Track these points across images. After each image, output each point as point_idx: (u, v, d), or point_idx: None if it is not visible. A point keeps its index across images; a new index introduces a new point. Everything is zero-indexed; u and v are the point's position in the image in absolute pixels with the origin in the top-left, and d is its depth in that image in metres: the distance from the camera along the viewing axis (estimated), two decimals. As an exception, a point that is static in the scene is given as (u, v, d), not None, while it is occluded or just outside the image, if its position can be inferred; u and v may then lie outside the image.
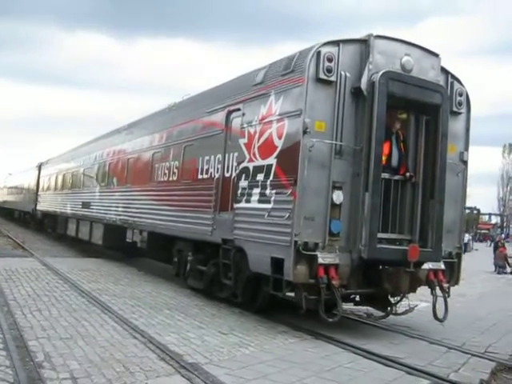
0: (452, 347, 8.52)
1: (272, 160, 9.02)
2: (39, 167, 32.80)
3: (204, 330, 8.38)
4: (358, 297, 9.67)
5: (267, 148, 9.20)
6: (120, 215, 16.08)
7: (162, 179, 13.45)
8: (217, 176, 10.69)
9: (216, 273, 10.72)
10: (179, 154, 12.59)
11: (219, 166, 10.69)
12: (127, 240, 15.81)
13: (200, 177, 11.45)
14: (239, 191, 9.79)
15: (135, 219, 14.80)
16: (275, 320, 9.51)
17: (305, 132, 8.38)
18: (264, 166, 9.21)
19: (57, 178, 27.09)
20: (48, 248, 22.39)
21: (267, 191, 9.01)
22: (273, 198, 8.84)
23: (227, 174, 10.44)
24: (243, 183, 9.72)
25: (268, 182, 9.02)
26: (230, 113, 10.64)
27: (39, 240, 26.33)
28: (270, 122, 9.20)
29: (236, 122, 10.39)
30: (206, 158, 11.25)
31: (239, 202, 9.74)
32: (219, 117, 10.97)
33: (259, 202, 9.19)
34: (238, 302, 10.44)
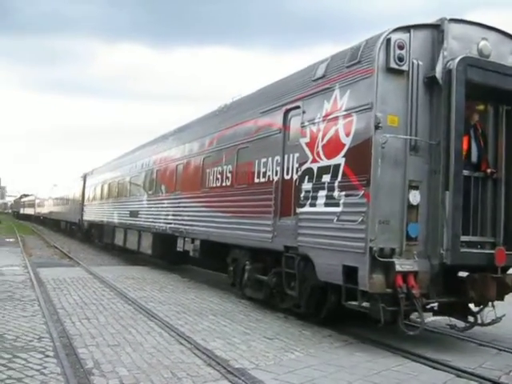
0: (503, 349, 8.18)
1: (339, 159, 8.31)
2: (84, 177, 32.82)
3: (249, 336, 8.38)
4: (436, 306, 8.83)
5: (333, 147, 8.50)
6: (170, 223, 15.58)
7: (215, 185, 12.88)
8: (276, 179, 10.04)
9: (278, 283, 10.05)
10: (232, 158, 11.99)
11: (278, 169, 10.04)
12: (178, 249, 15.28)
13: (257, 180, 10.82)
14: (302, 194, 9.11)
15: (187, 227, 14.27)
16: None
17: (376, 127, 7.66)
18: (330, 166, 8.51)
19: (102, 187, 26.95)
20: (93, 257, 22.72)
21: (335, 193, 8.30)
22: (342, 201, 8.13)
23: (287, 177, 9.77)
24: (307, 186, 9.04)
25: (336, 184, 8.32)
26: (287, 111, 9.98)
27: (84, 249, 26.59)
28: (336, 118, 8.50)
29: (295, 121, 9.73)
30: (263, 160, 10.61)
31: (303, 206, 9.05)
32: (275, 116, 10.33)
33: (326, 205, 8.49)
34: (300, 312, 9.74)
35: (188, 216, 14.27)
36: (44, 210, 56.86)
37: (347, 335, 8.66)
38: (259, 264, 10.88)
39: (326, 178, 8.55)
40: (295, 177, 9.45)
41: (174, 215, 15.45)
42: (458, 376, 6.71)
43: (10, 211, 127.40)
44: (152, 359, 6.80)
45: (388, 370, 6.84)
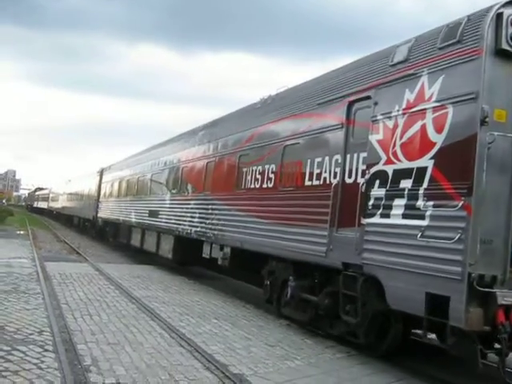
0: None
1: (426, 161, 6.73)
2: (101, 173, 31.43)
3: (251, 342, 8.23)
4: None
5: (417, 145, 6.92)
6: (196, 227, 14.03)
7: (253, 186, 11.31)
8: (334, 182, 8.45)
9: (331, 305, 8.47)
10: (277, 156, 10.42)
11: (337, 170, 8.47)
12: (204, 256, 13.74)
13: (308, 183, 9.25)
14: (371, 202, 7.53)
15: (216, 232, 12.72)
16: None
17: (482, 123, 6.11)
18: (412, 169, 6.92)
19: (120, 184, 25.48)
20: (101, 254, 22.59)
21: (419, 203, 6.70)
22: (429, 213, 6.53)
23: (349, 180, 8.20)
24: (377, 192, 7.46)
25: (420, 191, 6.73)
26: (352, 103, 8.42)
27: (93, 246, 26.29)
28: (422, 111, 6.91)
29: (362, 114, 8.17)
30: (317, 159, 9.05)
31: (371, 215, 7.47)
32: (336, 109, 8.76)
33: (405, 217, 6.90)
34: (356, 342, 8.18)
35: (218, 220, 12.72)
36: (57, 205, 55.72)
37: (350, 347, 8.28)
38: (305, 281, 9.29)
39: (406, 184, 6.97)
40: (361, 180, 7.87)
41: (200, 218, 13.91)
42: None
43: (23, 204, 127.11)
44: (151, 360, 6.67)
45: None
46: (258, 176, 11.10)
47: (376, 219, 7.38)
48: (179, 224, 15.42)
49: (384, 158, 7.46)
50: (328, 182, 8.65)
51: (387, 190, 7.29)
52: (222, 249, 12.68)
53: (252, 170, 11.42)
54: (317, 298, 8.79)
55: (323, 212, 8.53)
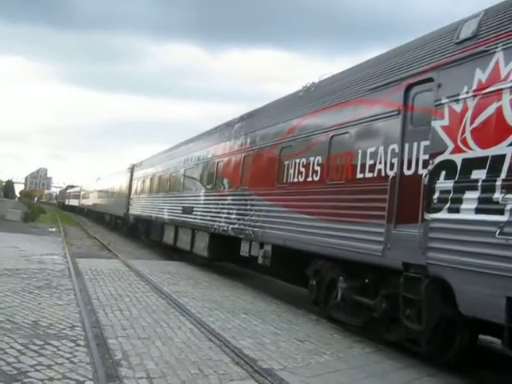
0: None
1: (504, 149, 5.93)
2: (131, 169, 31.07)
3: (280, 336, 8.20)
4: None
5: (492, 131, 6.12)
6: (233, 224, 13.41)
7: (296, 180, 10.61)
8: (391, 174, 7.69)
9: (388, 309, 7.73)
10: (323, 147, 9.70)
11: (394, 161, 7.72)
12: (242, 254, 13.11)
13: (360, 176, 8.51)
14: (436, 195, 6.76)
15: (255, 229, 12.06)
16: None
17: None
18: (487, 157, 6.13)
19: (152, 180, 25.02)
20: (132, 250, 22.79)
21: (496, 196, 5.92)
22: (509, 207, 5.75)
23: (409, 172, 7.44)
24: (444, 184, 6.68)
25: (498, 183, 5.93)
26: (410, 86, 7.65)
27: (124, 243, 26.53)
28: (498, 91, 6.12)
29: (423, 99, 7.40)
30: (370, 150, 8.31)
31: (437, 210, 6.70)
32: (391, 93, 8.01)
33: (479, 211, 6.12)
34: (418, 351, 7.42)
35: (257, 216, 12.07)
36: (88, 202, 55.86)
37: (379, 342, 8.15)
38: (357, 282, 8.57)
39: (479, 175, 6.18)
40: (423, 172, 7.10)
41: (238, 214, 13.27)
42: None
43: (55, 201, 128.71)
44: (181, 354, 6.68)
45: (417, 380, 6.60)
46: (302, 169, 10.39)
47: (443, 214, 6.61)
48: (215, 221, 14.82)
49: (451, 146, 6.68)
50: (384, 174, 7.90)
51: (456, 182, 6.51)
52: (262, 247, 12.03)
53: (295, 163, 10.72)
54: (372, 300, 8.05)
55: (379, 207, 7.79)
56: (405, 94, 7.71)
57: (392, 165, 7.75)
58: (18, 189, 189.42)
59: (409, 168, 7.45)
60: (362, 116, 8.65)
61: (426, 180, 6.96)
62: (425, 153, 7.16)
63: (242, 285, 13.64)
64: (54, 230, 31.83)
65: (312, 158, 10.07)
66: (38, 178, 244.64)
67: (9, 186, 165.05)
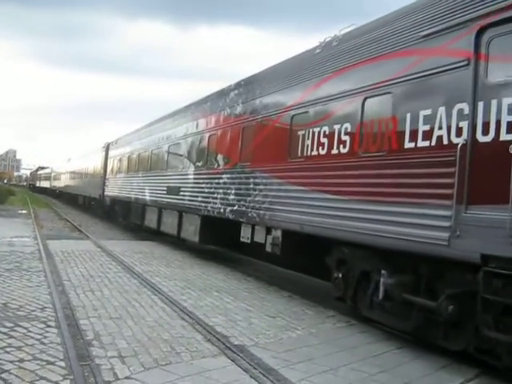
0: None
1: None
2: (107, 148, 28.89)
3: (252, 313, 8.22)
4: None
5: None
6: (232, 205, 11.61)
7: (316, 153, 8.84)
8: (460, 142, 5.96)
9: (457, 313, 6.07)
10: (353, 113, 7.95)
11: (463, 125, 6.01)
12: (242, 240, 11.36)
13: (409, 145, 6.77)
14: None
15: (261, 212, 10.28)
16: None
17: None
18: None
19: (129, 158, 22.90)
20: (104, 231, 22.41)
21: None
22: None
23: (485, 138, 5.73)
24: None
25: None
26: (482, 29, 5.94)
27: (96, 224, 26.02)
28: None
29: (504, 44, 5.70)
30: (424, 113, 6.58)
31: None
32: (456, 40, 6.28)
33: None
34: (499, 365, 5.83)
35: (263, 196, 10.28)
36: (60, 184, 53.38)
37: (350, 316, 8.26)
38: (407, 277, 6.88)
39: None
40: (507, 137, 5.44)
41: (237, 194, 11.48)
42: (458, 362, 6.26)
43: (25, 184, 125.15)
44: (152, 333, 6.66)
45: (388, 353, 6.66)
46: (324, 140, 8.63)
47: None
48: (208, 202, 13.00)
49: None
50: (447, 142, 6.19)
51: None
52: (269, 232, 10.30)
53: (313, 133, 8.95)
54: (434, 302, 6.32)
55: (442, 183, 6.10)
56: (476, 40, 5.99)
57: (460, 130, 6.04)
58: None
59: (485, 133, 5.75)
60: (412, 71, 6.89)
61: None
62: (510, 113, 5.48)
63: (214, 263, 13.55)
64: (23, 212, 30.53)
65: (337, 127, 8.31)
66: (7, 160, 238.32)
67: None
